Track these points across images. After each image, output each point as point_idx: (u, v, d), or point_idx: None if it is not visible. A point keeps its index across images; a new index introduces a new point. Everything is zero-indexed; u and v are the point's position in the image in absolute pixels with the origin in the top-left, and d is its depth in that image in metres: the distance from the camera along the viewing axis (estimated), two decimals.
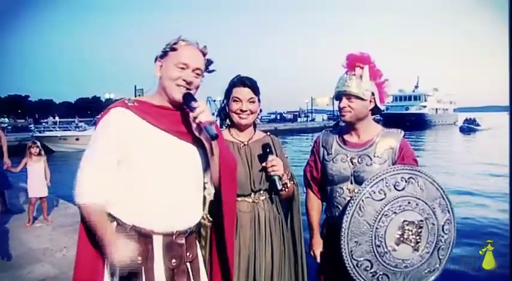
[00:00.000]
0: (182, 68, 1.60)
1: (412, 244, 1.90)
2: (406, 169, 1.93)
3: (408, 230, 1.89)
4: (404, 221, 1.88)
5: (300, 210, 2.25)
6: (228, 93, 2.15)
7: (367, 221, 1.85)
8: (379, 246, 1.86)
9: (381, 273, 1.88)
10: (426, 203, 1.92)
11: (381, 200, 1.87)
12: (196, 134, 1.62)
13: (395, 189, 1.89)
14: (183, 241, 1.64)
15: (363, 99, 2.09)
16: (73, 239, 4.89)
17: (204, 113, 1.56)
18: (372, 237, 1.86)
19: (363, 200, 1.86)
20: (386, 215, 1.87)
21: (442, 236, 1.95)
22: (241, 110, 2.09)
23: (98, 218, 1.50)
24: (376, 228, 1.86)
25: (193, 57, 1.63)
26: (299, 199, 2.24)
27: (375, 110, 2.17)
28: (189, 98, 1.60)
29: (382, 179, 1.89)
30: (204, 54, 1.69)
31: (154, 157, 1.57)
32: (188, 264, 1.66)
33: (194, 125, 1.60)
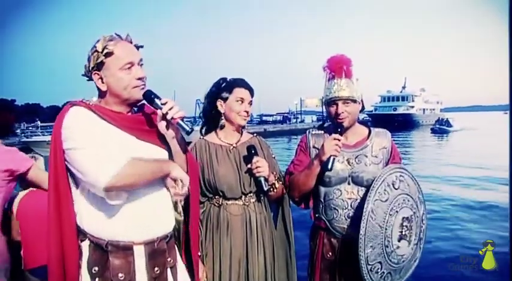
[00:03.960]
0: (129, 68, 1.49)
1: (408, 239, 1.97)
2: (397, 168, 2.00)
3: (405, 226, 1.95)
4: (403, 218, 1.95)
5: (290, 211, 2.24)
6: (223, 92, 2.12)
7: (379, 224, 1.88)
8: (387, 246, 1.90)
9: (386, 272, 1.92)
10: (412, 198, 2.00)
11: (386, 200, 1.90)
12: (163, 131, 1.54)
13: (394, 188, 1.93)
14: (165, 247, 1.58)
15: (356, 102, 2.10)
16: None
17: (174, 108, 1.50)
18: (382, 239, 1.89)
19: (374, 203, 1.87)
20: (391, 214, 1.91)
21: (421, 227, 2.06)
22: (246, 112, 2.11)
23: (139, 169, 1.42)
24: (385, 229, 1.89)
25: (131, 52, 1.51)
26: (289, 200, 2.22)
27: (361, 111, 2.21)
28: (151, 96, 1.52)
29: (384, 179, 1.92)
30: (132, 42, 1.56)
31: (97, 148, 1.42)
32: (169, 270, 1.60)
33: (163, 123, 1.52)
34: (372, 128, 2.21)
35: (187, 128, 1.53)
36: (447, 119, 46.35)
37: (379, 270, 1.90)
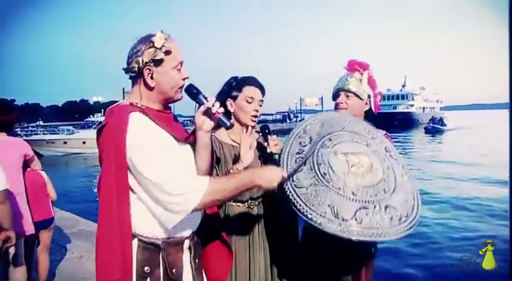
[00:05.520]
0: (179, 68, 1.51)
1: (350, 169, 1.66)
2: (399, 156, 1.87)
3: (362, 160, 1.70)
4: (367, 155, 1.71)
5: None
6: (233, 91, 2.03)
7: (345, 125, 1.84)
8: (330, 140, 1.74)
9: (304, 156, 1.72)
10: (395, 180, 1.71)
11: (368, 133, 1.84)
12: (201, 124, 1.55)
13: (385, 149, 1.83)
14: (200, 239, 1.64)
15: (360, 98, 2.17)
16: (59, 244, 4.82)
17: (216, 103, 1.55)
18: (333, 132, 1.78)
19: (357, 122, 1.91)
20: (360, 139, 1.79)
21: (378, 210, 1.58)
22: (255, 111, 2.01)
23: (225, 187, 1.45)
24: (344, 134, 1.78)
25: (180, 52, 1.53)
26: None
27: (369, 115, 2.22)
28: (194, 91, 1.57)
29: (382, 139, 1.91)
30: None
31: (173, 161, 1.47)
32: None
33: (202, 118, 1.55)
34: None
35: (228, 124, 1.59)
36: (441, 117, 45.85)
37: (302, 144, 1.79)
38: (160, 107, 1.56)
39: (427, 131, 40.27)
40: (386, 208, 1.60)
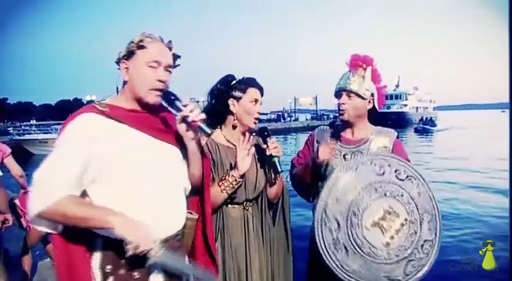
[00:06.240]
0: (154, 67, 1.50)
1: (386, 236, 1.84)
2: (411, 168, 1.94)
3: (390, 219, 1.84)
4: (391, 208, 1.85)
5: (290, 207, 2.19)
6: (235, 92, 2.00)
7: (357, 185, 1.84)
8: (354, 214, 1.82)
9: (342, 243, 1.82)
10: (417, 209, 1.88)
11: (378, 174, 1.87)
12: (183, 133, 1.54)
13: (396, 176, 1.88)
14: (177, 245, 1.57)
15: (362, 98, 2.11)
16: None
17: (194, 111, 1.51)
18: (352, 202, 1.83)
19: (362, 163, 1.87)
20: (376, 190, 1.85)
21: (418, 253, 1.86)
22: (258, 113, 2.03)
23: (71, 210, 1.34)
24: (362, 196, 1.83)
25: (163, 54, 1.54)
26: (289, 196, 2.18)
27: (373, 113, 2.20)
28: (172, 98, 1.54)
29: (386, 159, 1.91)
30: (170, 49, 1.59)
31: (143, 161, 1.48)
32: None
33: (183, 125, 1.53)
34: (377, 127, 2.22)
35: (208, 131, 1.59)
36: (431, 117, 45.79)
37: (333, 231, 1.81)
38: (137, 107, 1.54)
39: (417, 131, 40.09)
40: (422, 245, 1.87)
